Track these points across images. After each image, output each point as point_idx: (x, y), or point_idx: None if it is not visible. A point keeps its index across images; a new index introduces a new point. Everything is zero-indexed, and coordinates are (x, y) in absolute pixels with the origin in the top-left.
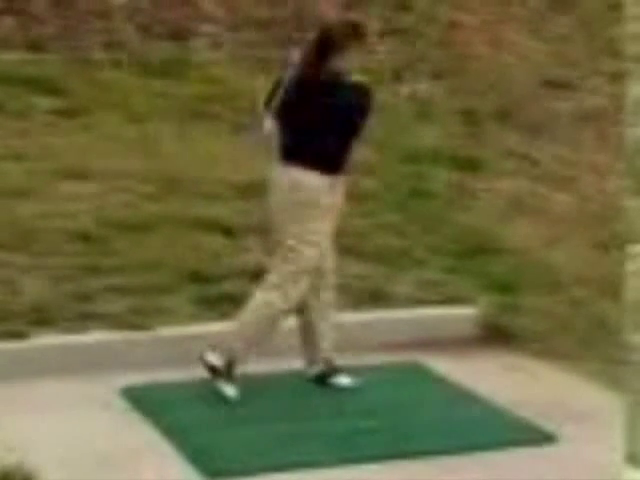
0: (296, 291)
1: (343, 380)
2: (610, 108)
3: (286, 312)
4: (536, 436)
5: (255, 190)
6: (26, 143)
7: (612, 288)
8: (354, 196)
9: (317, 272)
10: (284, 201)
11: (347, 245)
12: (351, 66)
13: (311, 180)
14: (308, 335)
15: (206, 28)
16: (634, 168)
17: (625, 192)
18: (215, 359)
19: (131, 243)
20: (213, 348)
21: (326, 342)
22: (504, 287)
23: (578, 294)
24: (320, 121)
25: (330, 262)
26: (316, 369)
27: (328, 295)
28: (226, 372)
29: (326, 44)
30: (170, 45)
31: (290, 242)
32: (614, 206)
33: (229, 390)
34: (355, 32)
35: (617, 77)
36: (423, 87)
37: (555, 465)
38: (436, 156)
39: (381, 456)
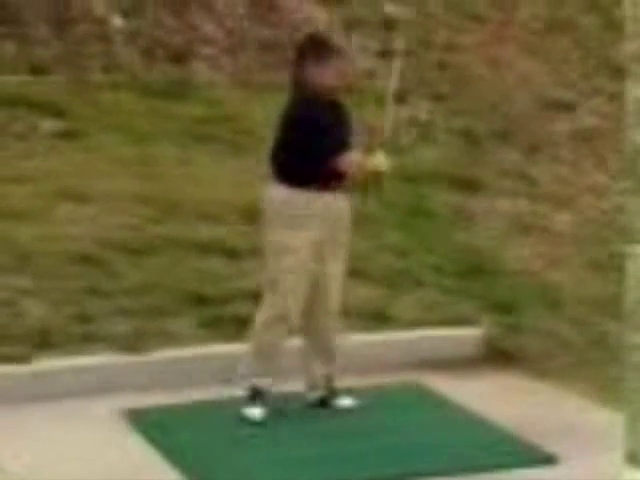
0: (278, 299)
1: (345, 402)
2: (608, 128)
3: (277, 319)
4: (538, 457)
5: (256, 212)
6: (27, 165)
7: (612, 308)
8: (355, 217)
9: (315, 293)
10: (264, 214)
11: (349, 267)
12: (318, 80)
13: (277, 193)
14: (307, 360)
15: (207, 51)
16: (634, 169)
17: (625, 192)
18: (241, 387)
19: (132, 266)
20: (240, 377)
21: (326, 367)
22: (505, 307)
23: (578, 314)
24: (277, 135)
25: (334, 287)
26: (316, 393)
27: (332, 320)
28: (250, 397)
29: (294, 57)
30: (171, 68)
31: (267, 252)
32: (613, 226)
33: (252, 413)
34: (314, 43)
35: (615, 97)
36: (423, 109)
37: None
38: (436, 177)
39: (380, 478)
